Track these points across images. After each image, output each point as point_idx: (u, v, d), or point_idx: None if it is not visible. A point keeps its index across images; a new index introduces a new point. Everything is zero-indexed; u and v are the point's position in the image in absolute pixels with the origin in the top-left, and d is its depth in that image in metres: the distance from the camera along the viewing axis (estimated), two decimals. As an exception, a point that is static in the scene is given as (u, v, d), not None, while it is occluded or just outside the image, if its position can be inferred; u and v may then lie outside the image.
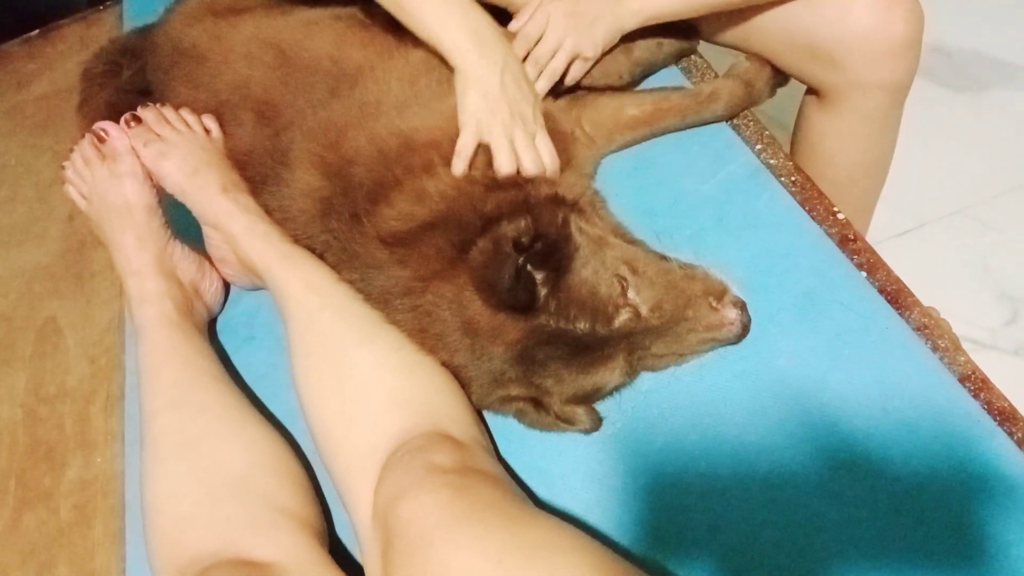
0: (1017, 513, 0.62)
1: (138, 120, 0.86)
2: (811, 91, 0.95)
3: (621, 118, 0.91)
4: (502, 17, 0.95)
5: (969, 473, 0.65)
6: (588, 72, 0.89)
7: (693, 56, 1.00)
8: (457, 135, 0.78)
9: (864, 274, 0.77)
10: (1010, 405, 0.68)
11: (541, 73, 0.84)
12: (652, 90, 0.94)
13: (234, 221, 0.82)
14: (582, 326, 0.68)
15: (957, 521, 0.63)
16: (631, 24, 0.85)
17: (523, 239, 0.68)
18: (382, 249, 0.76)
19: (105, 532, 0.80)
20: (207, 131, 0.90)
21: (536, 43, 0.84)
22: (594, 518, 0.69)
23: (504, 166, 0.77)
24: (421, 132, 0.81)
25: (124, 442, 0.86)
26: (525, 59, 0.84)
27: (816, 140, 0.96)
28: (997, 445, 0.66)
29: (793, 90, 0.97)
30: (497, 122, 0.77)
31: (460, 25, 0.79)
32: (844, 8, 0.83)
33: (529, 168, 0.77)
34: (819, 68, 0.89)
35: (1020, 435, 0.66)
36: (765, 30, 0.90)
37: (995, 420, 0.67)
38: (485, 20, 0.81)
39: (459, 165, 0.77)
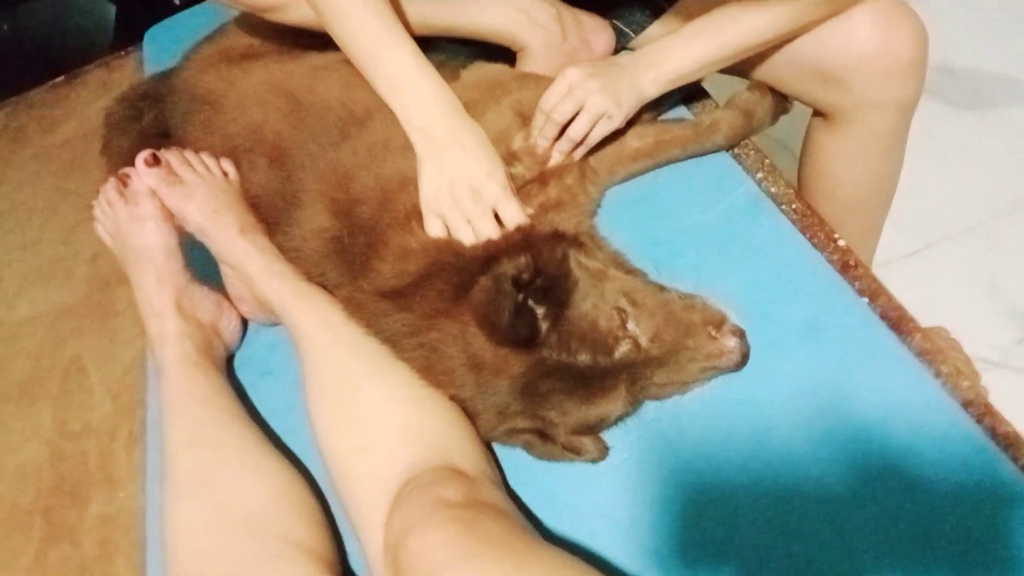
0: (1019, 533, 0.62)
1: (157, 160, 0.90)
2: (818, 113, 0.96)
3: (623, 150, 0.93)
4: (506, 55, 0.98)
5: (975, 500, 0.65)
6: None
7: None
8: None
9: (866, 300, 0.78)
10: (1014, 431, 0.68)
11: (561, 136, 0.84)
12: (653, 121, 0.95)
13: (251, 261, 0.85)
14: (584, 358, 0.70)
15: (963, 548, 0.63)
16: (651, 92, 0.85)
17: (523, 276, 0.70)
18: (384, 301, 0.79)
19: (127, 567, 0.82)
20: (225, 174, 0.93)
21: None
22: (601, 547, 0.70)
23: (465, 242, 0.78)
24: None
25: (146, 477, 0.88)
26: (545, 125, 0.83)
27: (825, 162, 0.97)
28: (1002, 471, 0.66)
29: (800, 115, 0.98)
30: (446, 203, 0.78)
31: (408, 94, 0.81)
32: (849, 30, 0.84)
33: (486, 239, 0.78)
34: (826, 90, 0.90)
35: None
36: (770, 56, 0.91)
37: (999, 446, 0.67)
38: (432, 86, 0.81)
39: None
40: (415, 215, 0.80)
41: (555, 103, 0.82)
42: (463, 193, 0.78)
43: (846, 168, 0.95)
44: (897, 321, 0.76)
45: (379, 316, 0.78)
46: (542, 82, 0.87)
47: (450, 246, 0.78)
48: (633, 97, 0.84)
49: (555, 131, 0.84)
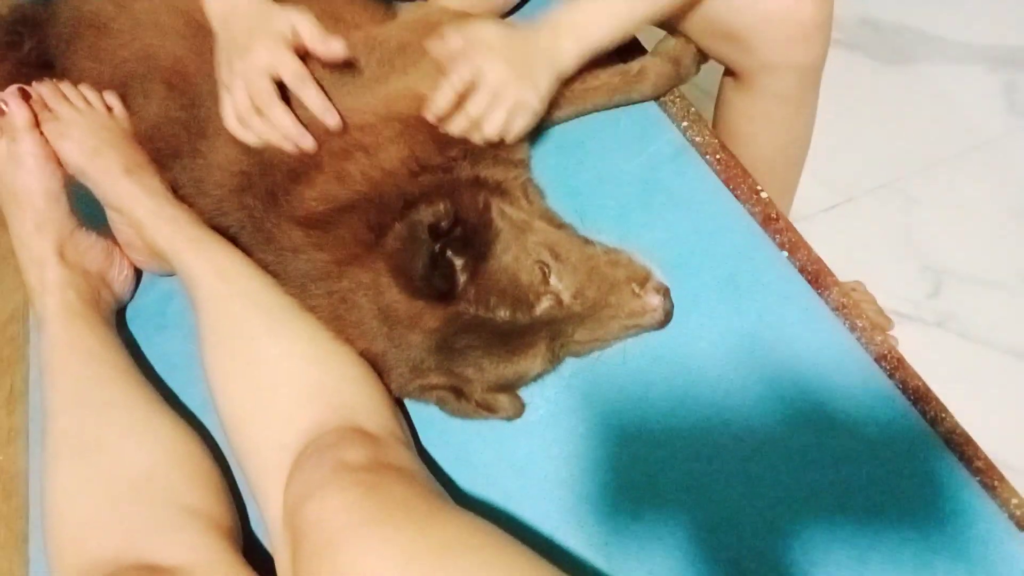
0: (925, 485, 0.64)
1: (27, 95, 0.81)
2: (729, 72, 0.94)
3: None
4: None
5: (885, 450, 0.66)
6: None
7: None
8: (393, 118, 0.76)
9: (786, 254, 0.77)
10: (924, 385, 0.69)
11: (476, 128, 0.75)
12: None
13: (139, 204, 0.78)
14: (503, 314, 0.67)
15: (873, 497, 0.64)
16: (570, 66, 0.79)
17: (442, 224, 0.66)
18: (298, 231, 0.74)
19: (8, 534, 0.77)
20: (109, 108, 0.85)
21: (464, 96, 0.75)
22: (516, 506, 0.68)
23: (242, 106, 0.75)
24: (354, 114, 0.77)
25: (28, 438, 0.82)
26: (449, 114, 0.75)
27: (733, 121, 0.95)
28: (911, 423, 0.67)
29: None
30: (225, 69, 0.76)
31: None
32: None
33: (280, 131, 0.74)
34: (732, 49, 0.88)
35: (932, 414, 0.67)
36: (683, 12, 0.88)
37: (909, 399, 0.68)
38: None
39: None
40: (357, 146, 0.75)
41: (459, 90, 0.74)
42: (236, 55, 0.74)
43: (753, 129, 0.94)
44: (815, 275, 0.76)
45: (289, 251, 0.73)
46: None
47: (391, 178, 0.73)
48: (552, 78, 0.78)
49: (467, 125, 0.76)
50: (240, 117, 0.75)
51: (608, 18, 0.79)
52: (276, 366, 0.66)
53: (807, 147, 0.99)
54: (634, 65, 0.91)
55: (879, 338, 0.72)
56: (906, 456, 0.65)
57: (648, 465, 0.68)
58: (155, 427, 0.69)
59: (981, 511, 0.62)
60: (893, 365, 0.70)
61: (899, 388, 0.69)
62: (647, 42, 0.96)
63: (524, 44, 0.76)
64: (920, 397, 0.68)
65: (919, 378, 0.69)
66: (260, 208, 0.76)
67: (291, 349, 0.67)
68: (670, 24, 0.91)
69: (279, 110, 0.74)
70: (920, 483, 0.64)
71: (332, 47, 0.75)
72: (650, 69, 0.90)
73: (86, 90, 0.85)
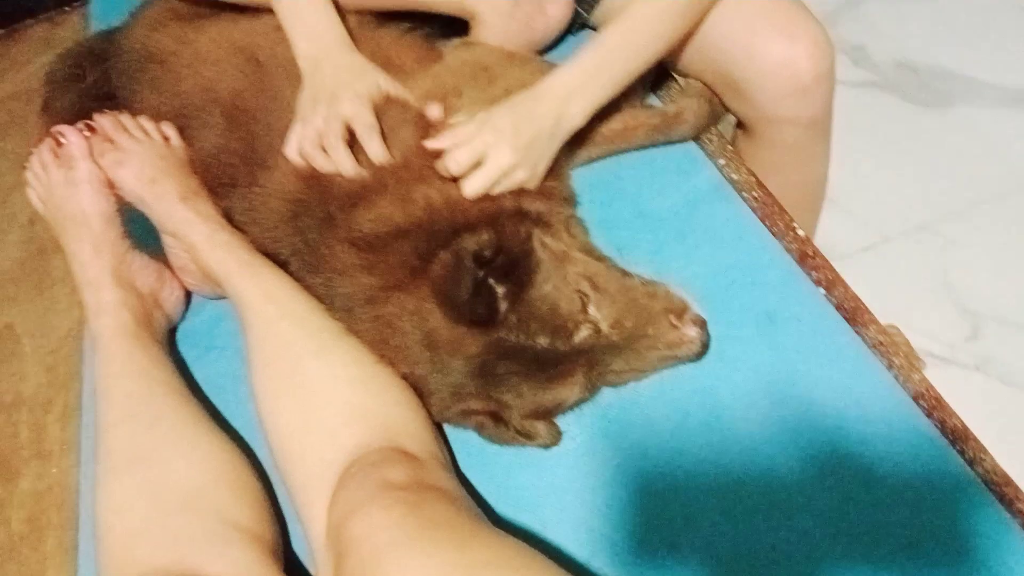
0: (964, 528, 0.63)
1: (92, 129, 0.85)
2: (739, 124, 0.95)
3: (588, 134, 0.91)
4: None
5: (923, 490, 0.65)
6: None
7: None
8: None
9: (822, 291, 0.78)
10: (962, 424, 0.69)
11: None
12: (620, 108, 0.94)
13: (193, 230, 0.81)
14: (542, 341, 0.68)
15: (911, 536, 0.64)
16: (578, 125, 0.80)
17: (485, 252, 0.68)
18: (350, 252, 0.76)
19: (57, 546, 0.79)
20: (166, 138, 0.89)
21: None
22: (552, 533, 0.69)
23: (311, 154, 0.79)
24: (416, 148, 0.80)
25: (80, 453, 0.85)
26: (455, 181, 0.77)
27: None
28: (949, 463, 0.67)
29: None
30: (308, 108, 0.80)
31: (301, 26, 0.85)
32: (750, 45, 0.83)
33: (338, 168, 0.78)
34: (737, 102, 0.89)
35: (971, 454, 0.67)
36: (692, 64, 0.91)
37: (947, 439, 0.68)
38: (325, 20, 0.84)
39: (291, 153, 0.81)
40: (433, 172, 0.77)
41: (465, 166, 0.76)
42: (323, 98, 0.79)
43: (764, 176, 0.93)
44: (852, 312, 0.77)
45: (338, 274, 0.75)
46: (527, 66, 0.86)
47: (451, 205, 0.75)
48: (552, 152, 0.79)
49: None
50: (303, 148, 0.79)
51: (608, 77, 0.79)
52: (322, 387, 0.68)
53: (822, 192, 0.99)
54: (671, 107, 0.93)
55: (916, 376, 0.72)
56: (944, 497, 0.65)
57: (683, 495, 0.68)
58: (203, 443, 0.71)
59: (1022, 553, 0.61)
60: (931, 404, 0.70)
61: (937, 427, 0.68)
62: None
63: (530, 126, 0.77)
64: (959, 437, 0.68)
65: (957, 417, 0.69)
66: (315, 229, 0.79)
67: (337, 371, 0.69)
68: (688, 73, 0.94)
69: (343, 153, 0.78)
70: (959, 524, 0.63)
71: (429, 111, 0.82)
72: (687, 109, 0.92)
73: (144, 121, 0.90)
